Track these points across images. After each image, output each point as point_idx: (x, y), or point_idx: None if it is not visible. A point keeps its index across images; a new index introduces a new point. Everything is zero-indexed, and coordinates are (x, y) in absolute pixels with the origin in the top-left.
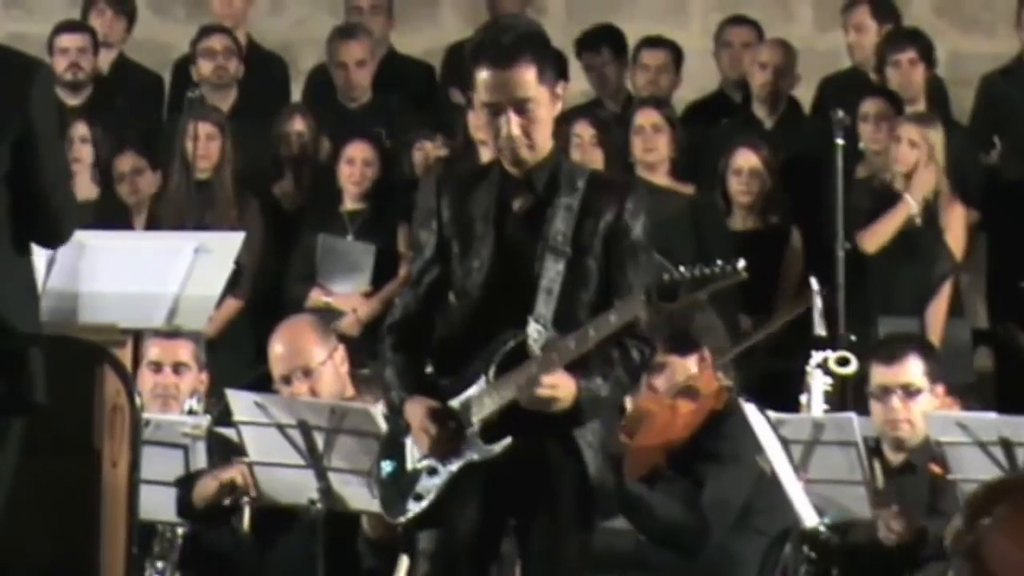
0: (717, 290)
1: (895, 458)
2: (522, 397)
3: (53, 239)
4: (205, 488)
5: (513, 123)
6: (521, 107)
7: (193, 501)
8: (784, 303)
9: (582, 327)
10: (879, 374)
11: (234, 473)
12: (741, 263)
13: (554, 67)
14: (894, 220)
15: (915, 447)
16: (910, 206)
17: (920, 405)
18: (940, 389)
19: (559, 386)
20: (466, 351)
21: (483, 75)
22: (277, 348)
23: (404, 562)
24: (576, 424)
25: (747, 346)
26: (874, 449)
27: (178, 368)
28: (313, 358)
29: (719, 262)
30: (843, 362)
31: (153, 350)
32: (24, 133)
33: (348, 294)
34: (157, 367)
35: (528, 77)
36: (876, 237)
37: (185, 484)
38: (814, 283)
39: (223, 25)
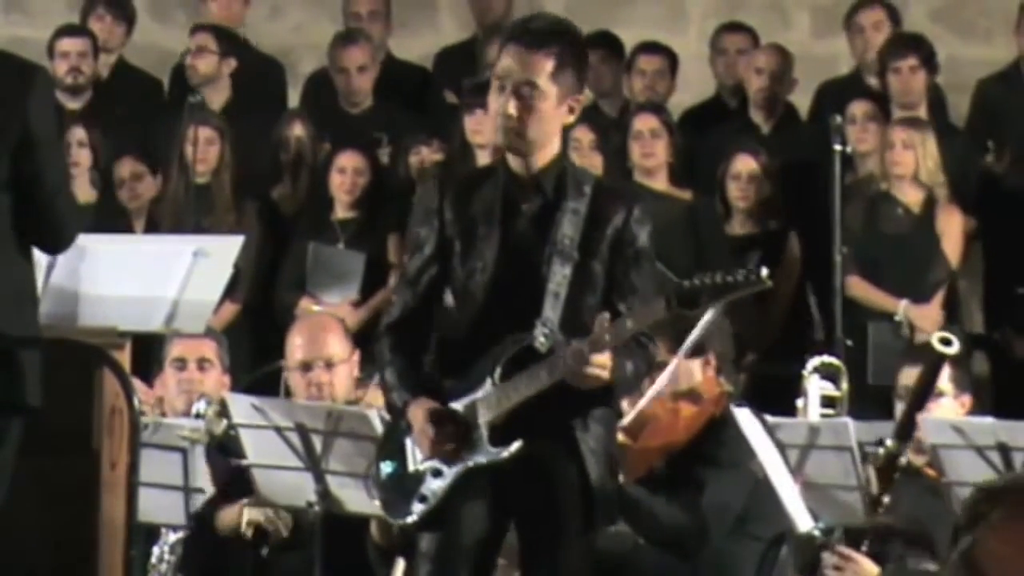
0: (739, 298)
1: (917, 460)
2: (568, 374)
3: (56, 244)
4: (230, 518)
5: (510, 103)
6: (523, 89)
7: (216, 525)
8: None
9: (620, 318)
10: (906, 376)
11: (264, 516)
12: (764, 271)
13: (575, 76)
14: (880, 302)
15: None
16: (898, 312)
17: (942, 408)
18: (967, 399)
19: (607, 366)
20: (470, 352)
21: (507, 49)
22: (298, 338)
23: (401, 564)
24: (597, 404)
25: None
26: (895, 453)
27: (202, 364)
28: (336, 353)
29: (742, 270)
30: (946, 342)
31: (177, 348)
32: (23, 140)
33: (337, 303)
34: (181, 364)
35: (544, 65)
36: (862, 295)
37: (209, 508)
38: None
39: (212, 24)
